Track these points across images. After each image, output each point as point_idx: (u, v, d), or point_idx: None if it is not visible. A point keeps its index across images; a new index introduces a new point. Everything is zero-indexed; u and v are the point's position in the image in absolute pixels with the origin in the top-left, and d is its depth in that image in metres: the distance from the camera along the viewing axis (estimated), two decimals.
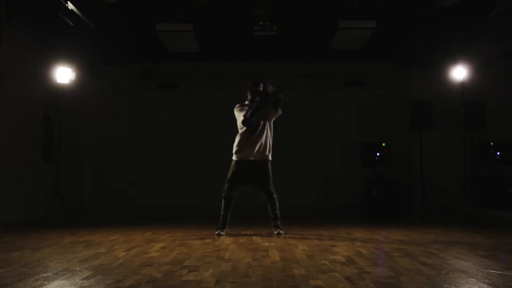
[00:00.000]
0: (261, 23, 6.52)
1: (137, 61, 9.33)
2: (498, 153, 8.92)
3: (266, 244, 4.43)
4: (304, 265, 3.33)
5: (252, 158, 5.15)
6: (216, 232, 5.12)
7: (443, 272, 3.06)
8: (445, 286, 2.69)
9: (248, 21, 6.78)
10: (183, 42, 7.41)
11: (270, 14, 6.57)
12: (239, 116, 5.20)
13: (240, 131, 5.25)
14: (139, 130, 9.94)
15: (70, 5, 6.24)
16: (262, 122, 5.18)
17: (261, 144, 5.17)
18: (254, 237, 4.92)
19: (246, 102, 5.32)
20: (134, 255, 3.79)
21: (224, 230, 5.16)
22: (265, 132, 5.21)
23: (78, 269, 3.21)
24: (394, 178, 9.34)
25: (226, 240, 4.67)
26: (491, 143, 8.96)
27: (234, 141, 5.28)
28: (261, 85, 5.27)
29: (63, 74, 6.68)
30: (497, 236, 5.00)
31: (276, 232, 5.12)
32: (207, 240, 4.68)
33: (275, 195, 5.23)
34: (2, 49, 6.40)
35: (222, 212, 5.22)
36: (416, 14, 7.09)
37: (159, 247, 4.23)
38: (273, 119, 5.30)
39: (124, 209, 8.95)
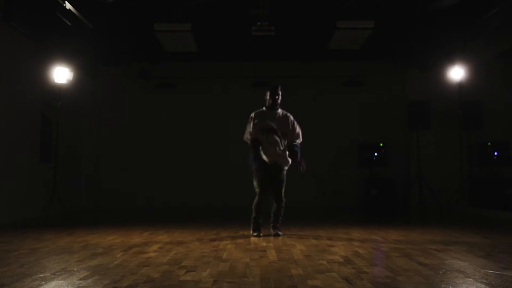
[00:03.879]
0: (259, 23, 6.52)
1: (135, 61, 9.32)
2: (496, 153, 8.94)
3: (264, 244, 4.43)
4: (302, 265, 3.33)
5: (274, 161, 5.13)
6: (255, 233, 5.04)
7: (440, 272, 3.06)
8: (442, 286, 2.69)
9: (246, 21, 6.78)
10: (181, 42, 7.41)
11: (268, 14, 6.57)
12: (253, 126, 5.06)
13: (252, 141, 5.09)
14: (137, 130, 9.93)
15: (68, 5, 6.23)
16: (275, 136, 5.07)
17: (278, 149, 5.11)
18: (252, 238, 4.92)
19: (264, 108, 5.12)
20: (132, 255, 3.79)
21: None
22: (278, 140, 5.09)
23: (75, 269, 3.21)
24: (392, 178, 9.36)
25: (224, 241, 4.67)
26: (489, 144, 8.98)
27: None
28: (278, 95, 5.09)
29: (61, 74, 6.67)
30: (495, 236, 5.01)
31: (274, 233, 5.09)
32: (204, 240, 4.67)
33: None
34: (0, 49, 6.39)
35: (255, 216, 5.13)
36: (414, 14, 7.11)
37: (156, 247, 4.23)
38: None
39: (121, 209, 8.94)
